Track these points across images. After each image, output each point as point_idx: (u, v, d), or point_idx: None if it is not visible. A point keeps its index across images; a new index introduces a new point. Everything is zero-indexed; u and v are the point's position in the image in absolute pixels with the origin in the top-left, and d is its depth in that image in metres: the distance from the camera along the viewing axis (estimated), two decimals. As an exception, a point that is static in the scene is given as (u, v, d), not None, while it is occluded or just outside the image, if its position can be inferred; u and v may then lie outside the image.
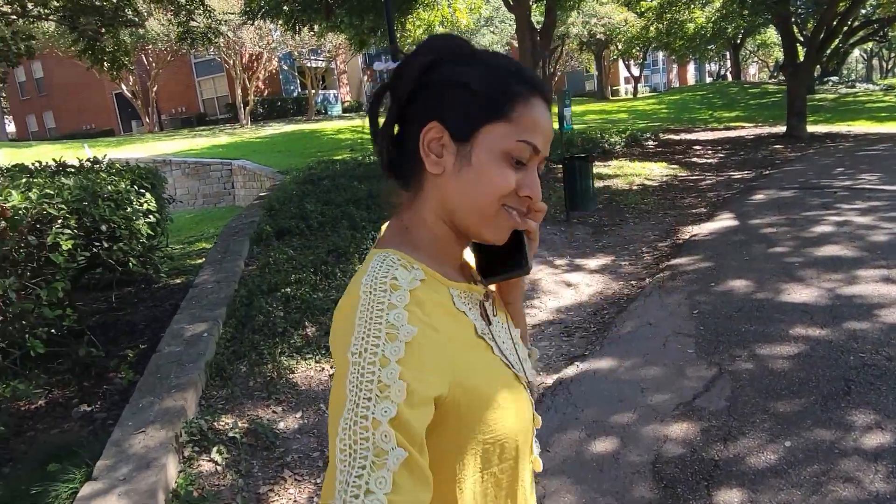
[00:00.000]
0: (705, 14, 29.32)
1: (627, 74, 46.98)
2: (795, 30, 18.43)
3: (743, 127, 19.66)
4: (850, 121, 19.12)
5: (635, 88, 43.53)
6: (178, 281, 6.71)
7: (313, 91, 31.93)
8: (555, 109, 9.51)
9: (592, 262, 6.49)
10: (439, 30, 24.33)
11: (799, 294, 4.82)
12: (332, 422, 0.67)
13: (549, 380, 4.02)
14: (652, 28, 30.25)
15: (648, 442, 3.12)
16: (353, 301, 0.72)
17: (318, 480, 3.23)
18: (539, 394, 3.84)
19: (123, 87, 29.10)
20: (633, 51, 37.52)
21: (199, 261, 7.47)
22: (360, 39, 16.20)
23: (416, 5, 18.40)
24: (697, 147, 15.26)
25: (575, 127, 11.50)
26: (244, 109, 29.19)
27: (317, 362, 4.35)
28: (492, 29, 34.93)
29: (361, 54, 34.15)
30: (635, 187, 10.17)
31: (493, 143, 0.77)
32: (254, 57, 29.66)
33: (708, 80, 55.95)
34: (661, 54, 47.94)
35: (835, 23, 16.09)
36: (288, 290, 5.20)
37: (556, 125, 10.22)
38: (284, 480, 3.25)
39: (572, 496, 2.79)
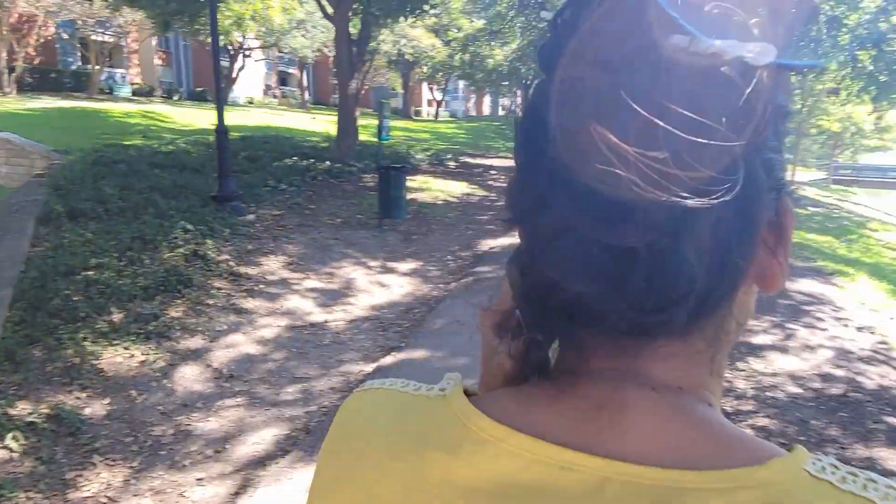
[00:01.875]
0: (503, 53, 32.13)
1: (431, 97, 49.39)
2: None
3: (530, 158, 21.84)
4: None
5: (437, 112, 45.92)
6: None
7: (97, 67, 28.77)
8: (376, 121, 9.88)
9: (403, 266, 6.91)
10: (250, 24, 23.56)
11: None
12: None
13: (369, 367, 4.29)
14: (456, 57, 32.40)
15: (460, 417, 3.54)
16: None
17: (135, 464, 3.13)
18: (360, 381, 4.09)
19: None
20: (438, 76, 39.69)
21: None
22: (164, 21, 15.16)
23: (229, -5, 17.67)
24: (493, 171, 16.69)
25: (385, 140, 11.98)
26: (8, 76, 25.29)
27: (125, 349, 4.12)
28: (303, 33, 34.53)
29: (156, 36, 31.60)
30: (440, 202, 10.91)
31: None
32: (25, 18, 25.91)
33: (501, 112, 60.90)
34: (461, 83, 51.19)
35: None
36: (90, 273, 4.82)
37: (375, 137, 10.58)
38: (94, 465, 3.09)
39: (396, 464, 3.08)
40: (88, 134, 14.43)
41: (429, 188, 11.90)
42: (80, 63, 30.61)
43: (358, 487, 0.40)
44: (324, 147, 14.14)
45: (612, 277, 0.32)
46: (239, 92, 36.68)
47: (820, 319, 5.47)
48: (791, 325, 5.18)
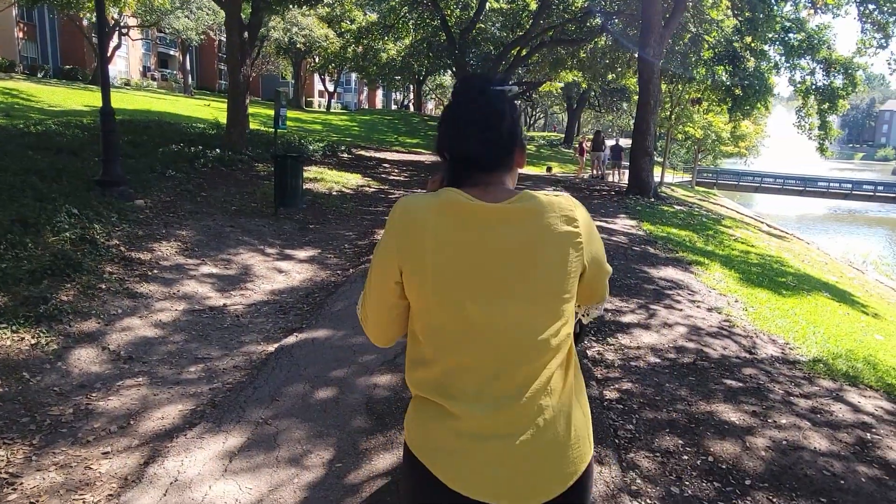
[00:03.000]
0: (396, 48, 32.33)
1: (322, 88, 48.60)
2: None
3: (422, 153, 22.27)
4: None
5: (329, 103, 45.31)
6: None
7: (-54, 36, 25.97)
8: (264, 110, 9.77)
9: (301, 254, 7.02)
10: (130, 1, 22.18)
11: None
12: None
13: (271, 347, 4.44)
14: (350, 49, 32.20)
15: (362, 389, 3.80)
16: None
17: (34, 442, 3.12)
18: (262, 360, 4.23)
19: None
20: (330, 67, 39.18)
21: None
22: (34, -9, 14.05)
23: (107, -30, 16.60)
24: (386, 165, 16.94)
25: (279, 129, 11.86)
26: None
27: (14, 332, 4.01)
28: (187, 14, 32.91)
29: (14, 5, 28.87)
30: (335, 193, 11.01)
31: None
32: None
33: (393, 107, 60.98)
34: (354, 75, 50.77)
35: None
36: (-32, 256, 4.59)
37: (264, 126, 10.43)
38: (-9, 446, 3.05)
39: (303, 431, 3.29)
40: (-59, 110, 13.16)
41: (323, 179, 11.95)
42: (-76, 30, 27.55)
43: (417, 229, 1.19)
44: (212, 134, 13.74)
45: (480, 139, 1.25)
46: (114, 72, 34.35)
47: (678, 302, 6.22)
48: (654, 307, 5.87)
